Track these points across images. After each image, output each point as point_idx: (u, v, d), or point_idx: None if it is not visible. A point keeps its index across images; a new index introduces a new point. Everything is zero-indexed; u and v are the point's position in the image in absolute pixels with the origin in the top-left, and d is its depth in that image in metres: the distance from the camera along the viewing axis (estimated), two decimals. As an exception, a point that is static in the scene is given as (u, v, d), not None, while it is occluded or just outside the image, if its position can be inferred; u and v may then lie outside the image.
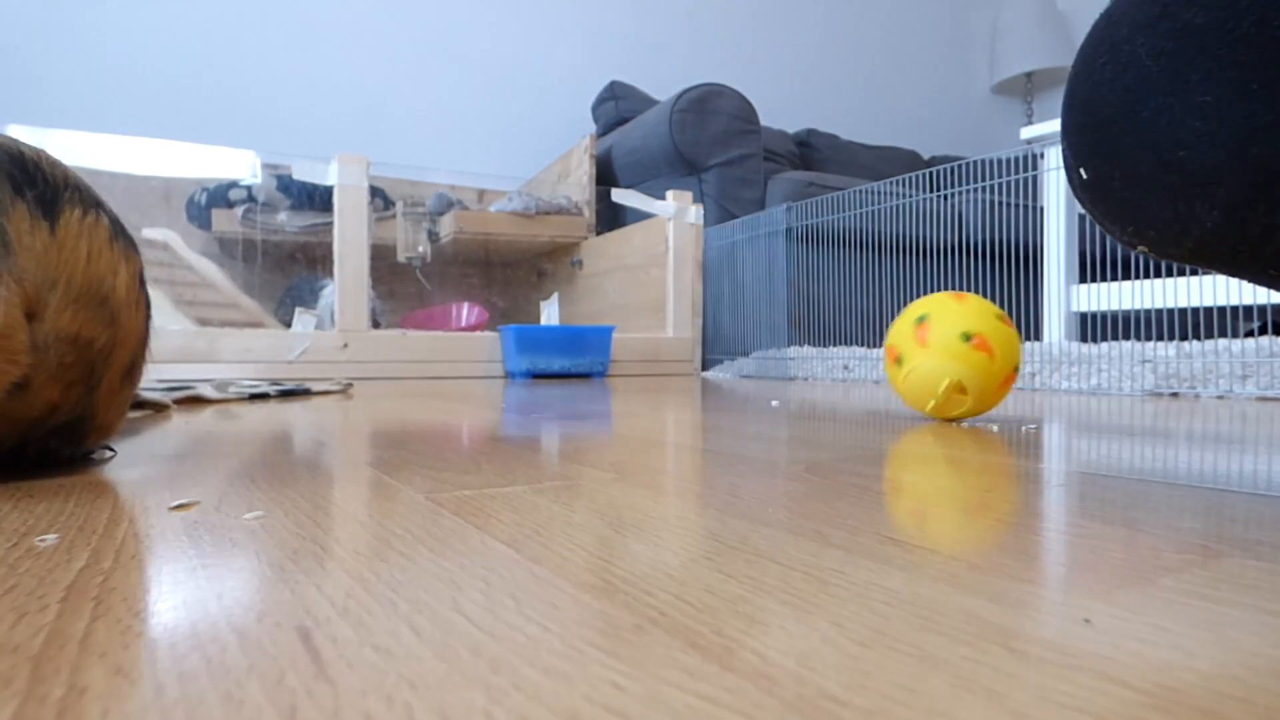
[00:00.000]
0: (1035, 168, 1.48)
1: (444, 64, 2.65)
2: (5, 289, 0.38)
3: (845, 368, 1.57)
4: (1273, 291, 1.11)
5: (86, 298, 0.41)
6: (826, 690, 0.15)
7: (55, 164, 0.44)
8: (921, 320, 0.71)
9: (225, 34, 2.36)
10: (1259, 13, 0.25)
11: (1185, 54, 0.27)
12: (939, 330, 0.69)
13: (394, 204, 2.23)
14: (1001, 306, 1.80)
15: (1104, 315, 1.57)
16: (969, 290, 1.96)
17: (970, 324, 0.69)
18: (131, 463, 0.47)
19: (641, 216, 2.19)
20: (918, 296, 1.94)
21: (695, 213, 1.97)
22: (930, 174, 2.29)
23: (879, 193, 1.73)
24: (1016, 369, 0.70)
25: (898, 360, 0.72)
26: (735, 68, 3.16)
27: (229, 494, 0.37)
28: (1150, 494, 0.36)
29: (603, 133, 2.58)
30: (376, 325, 1.87)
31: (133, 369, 0.46)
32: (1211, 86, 0.26)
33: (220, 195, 2.02)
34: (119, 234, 0.45)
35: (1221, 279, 1.20)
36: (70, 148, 1.79)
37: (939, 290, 1.93)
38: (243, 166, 2.05)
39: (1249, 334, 1.94)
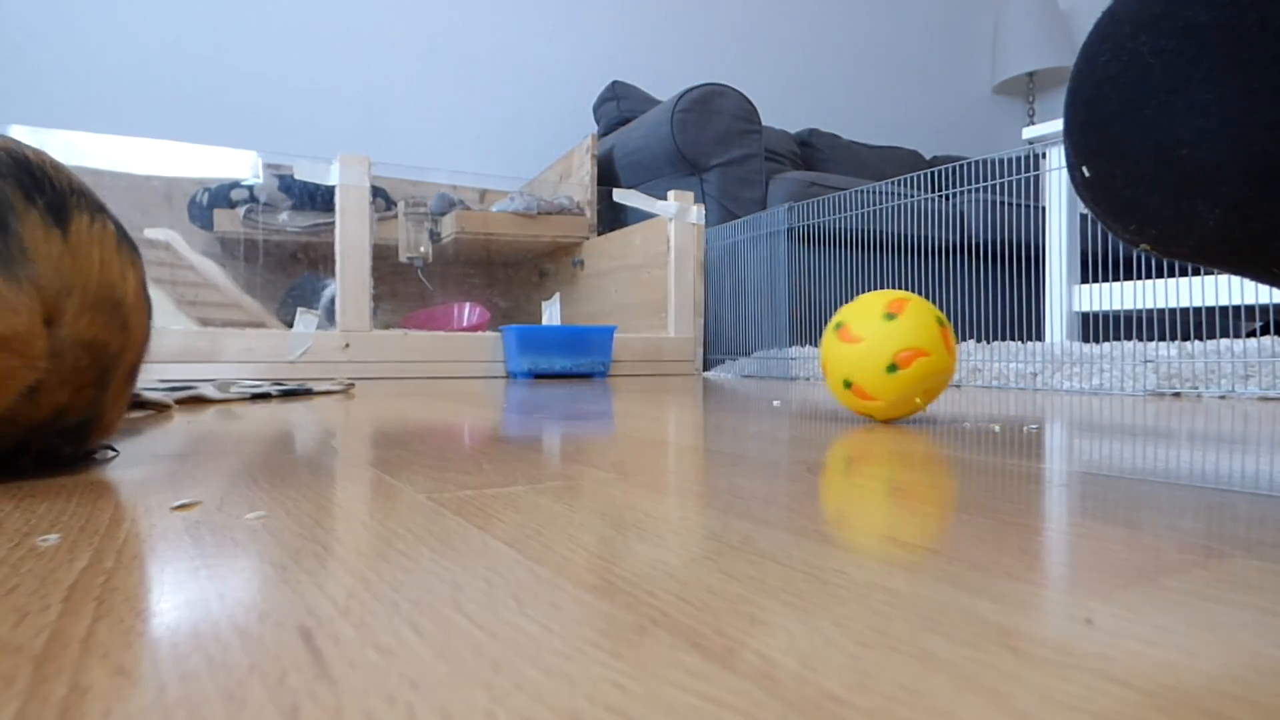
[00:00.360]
0: (1037, 167, 1.48)
1: (446, 64, 2.65)
2: (27, 296, 0.38)
3: (847, 368, 1.56)
4: (1275, 290, 1.11)
5: (101, 303, 0.42)
6: (828, 690, 0.15)
7: (59, 168, 0.44)
8: (849, 385, 0.69)
9: (227, 34, 2.37)
10: (1261, 11, 0.25)
11: (1188, 52, 0.27)
12: (870, 384, 0.68)
13: (395, 204, 2.23)
14: (1003, 307, 1.80)
15: (1106, 315, 1.57)
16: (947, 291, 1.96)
17: (884, 356, 0.66)
18: (133, 463, 0.47)
19: (643, 216, 2.19)
20: (919, 297, 1.94)
21: (697, 213, 1.97)
22: (932, 174, 2.29)
23: (881, 193, 1.73)
24: (941, 321, 0.68)
25: (867, 412, 0.71)
26: (737, 68, 3.16)
27: (231, 494, 0.37)
28: (1152, 494, 0.36)
29: (604, 133, 2.58)
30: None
31: (135, 370, 0.47)
32: (1214, 84, 0.26)
33: (222, 195, 2.02)
34: (124, 238, 0.45)
35: (1224, 278, 1.20)
36: (72, 148, 1.79)
37: (938, 291, 1.93)
38: (244, 166, 2.05)
39: (1251, 334, 1.94)
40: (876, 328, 0.67)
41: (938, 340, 0.67)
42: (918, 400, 0.67)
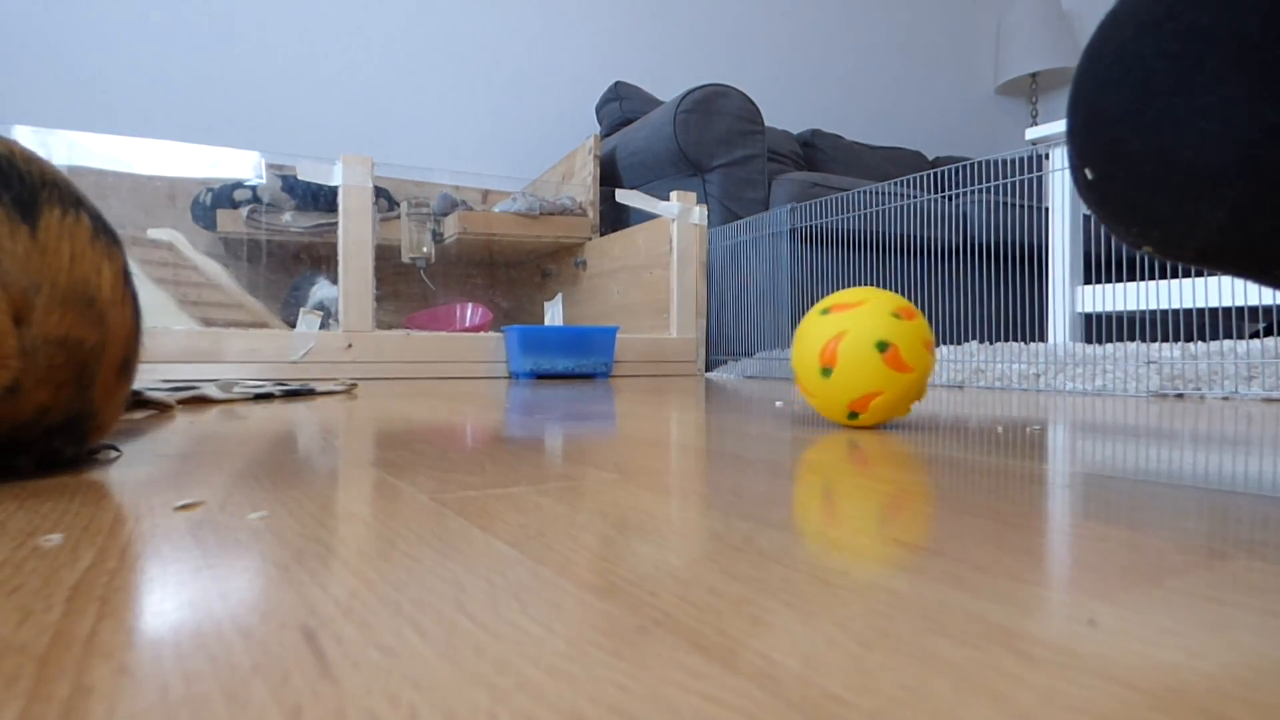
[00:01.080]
0: (1040, 168, 1.48)
1: (448, 65, 2.65)
2: None
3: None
4: (1277, 292, 1.11)
5: (73, 299, 0.41)
6: (830, 691, 0.15)
7: (30, 159, 0.43)
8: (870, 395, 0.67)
9: (230, 35, 2.37)
10: (1264, 14, 0.25)
11: (1191, 55, 0.27)
12: (843, 421, 0.67)
13: (398, 204, 2.23)
14: (1006, 307, 1.80)
15: (1109, 316, 1.57)
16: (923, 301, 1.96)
17: (839, 409, 0.65)
18: (136, 463, 0.47)
19: (645, 217, 2.19)
20: (921, 298, 1.94)
21: (699, 213, 1.97)
22: (935, 175, 2.29)
23: (883, 193, 1.73)
24: (884, 344, 0.63)
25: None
26: (739, 68, 3.16)
27: (233, 494, 0.37)
28: (1155, 495, 0.36)
29: (607, 133, 2.59)
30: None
31: (127, 365, 0.46)
32: (1217, 87, 0.26)
33: (225, 196, 2.03)
34: (100, 231, 0.44)
35: (1226, 280, 1.20)
36: (76, 148, 1.80)
37: (940, 292, 1.93)
38: (247, 167, 2.05)
39: (1254, 335, 1.94)
40: (818, 386, 0.65)
41: (882, 374, 0.62)
42: (899, 415, 0.67)
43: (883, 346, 0.62)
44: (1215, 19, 0.26)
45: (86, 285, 0.42)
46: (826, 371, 0.64)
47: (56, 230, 0.41)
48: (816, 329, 0.66)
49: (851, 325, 0.63)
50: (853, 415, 0.65)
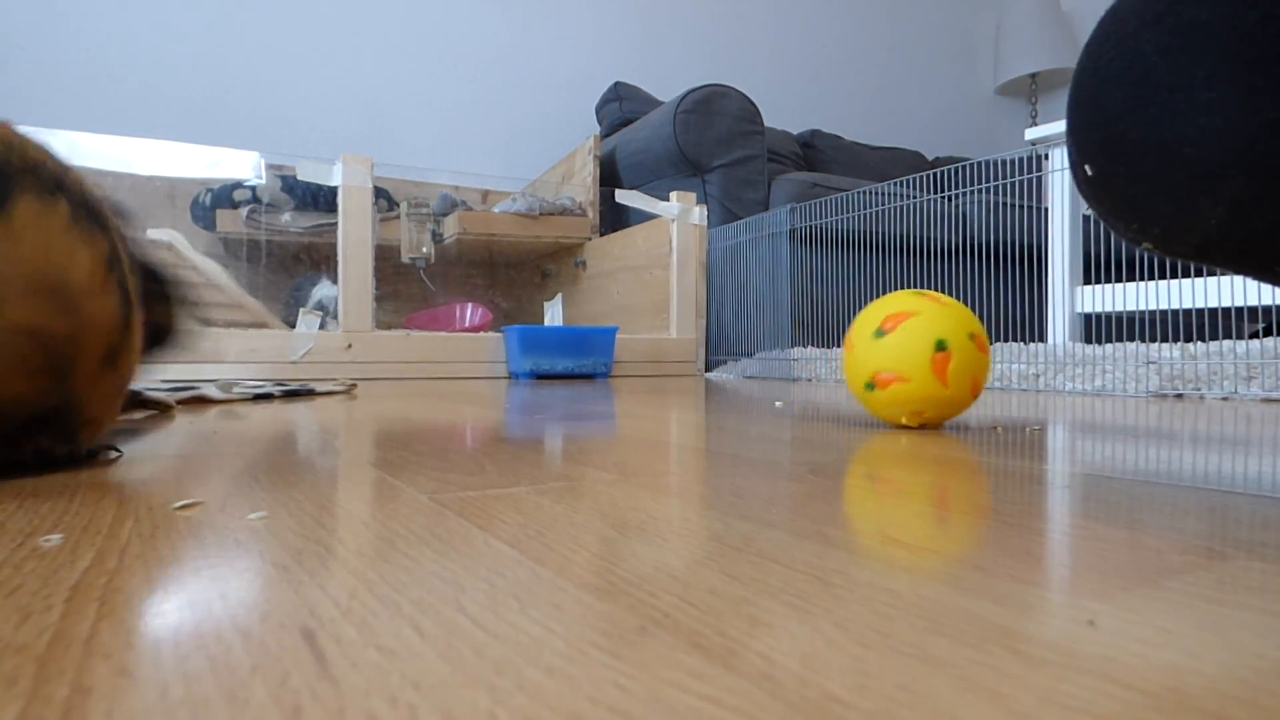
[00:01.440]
0: (1040, 169, 1.48)
1: (448, 65, 2.65)
2: None
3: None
4: (1277, 291, 1.11)
5: (40, 288, 0.40)
6: (830, 692, 0.15)
7: (11, 147, 0.42)
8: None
9: (230, 35, 2.37)
10: (1264, 9, 0.25)
11: (1191, 50, 0.27)
12: (858, 395, 0.68)
13: (398, 205, 2.23)
14: (1005, 308, 1.80)
15: (1108, 316, 1.57)
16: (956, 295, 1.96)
17: (863, 374, 0.65)
18: (136, 463, 0.47)
19: (645, 217, 2.19)
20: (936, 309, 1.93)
21: (699, 214, 1.97)
22: (934, 175, 2.29)
23: (883, 194, 1.73)
24: (943, 345, 0.63)
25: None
26: (739, 68, 3.16)
27: (233, 494, 0.37)
28: (1155, 496, 0.36)
29: (607, 134, 2.58)
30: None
31: (113, 356, 0.45)
32: (1217, 83, 0.26)
33: (225, 196, 2.03)
34: (79, 217, 0.43)
35: (1226, 279, 1.20)
36: (76, 148, 1.80)
37: (940, 292, 1.93)
38: (247, 167, 2.05)
39: (1254, 335, 1.94)
40: (863, 343, 0.66)
41: (921, 368, 0.62)
42: (904, 419, 0.66)
43: (941, 346, 0.62)
44: (1215, 14, 0.26)
45: (57, 273, 0.41)
46: (880, 333, 0.64)
47: (28, 219, 0.40)
48: (900, 300, 0.67)
49: (929, 312, 0.64)
50: (869, 386, 0.65)
